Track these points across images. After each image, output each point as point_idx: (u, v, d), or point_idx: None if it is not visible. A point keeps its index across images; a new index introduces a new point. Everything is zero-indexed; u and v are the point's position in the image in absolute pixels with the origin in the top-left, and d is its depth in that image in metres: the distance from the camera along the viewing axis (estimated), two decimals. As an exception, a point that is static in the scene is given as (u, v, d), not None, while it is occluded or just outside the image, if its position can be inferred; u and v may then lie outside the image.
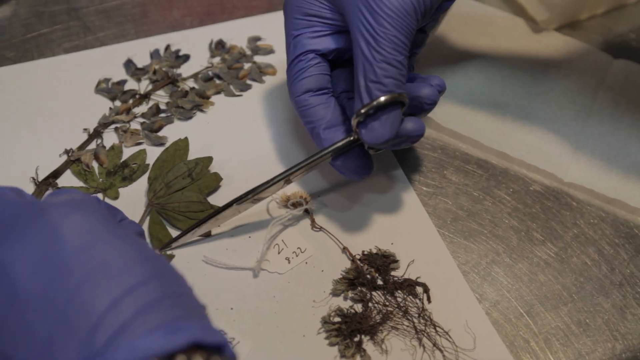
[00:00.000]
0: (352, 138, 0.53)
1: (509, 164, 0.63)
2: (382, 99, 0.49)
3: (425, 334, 0.53)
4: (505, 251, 0.58)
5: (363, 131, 0.51)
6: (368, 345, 0.52)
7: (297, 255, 0.57)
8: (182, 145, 0.62)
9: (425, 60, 0.70)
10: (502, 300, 0.55)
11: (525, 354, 0.53)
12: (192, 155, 0.62)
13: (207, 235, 0.57)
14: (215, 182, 0.60)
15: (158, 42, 0.71)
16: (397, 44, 0.49)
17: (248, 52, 0.71)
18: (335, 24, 0.55)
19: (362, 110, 0.50)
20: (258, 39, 0.72)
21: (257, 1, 0.75)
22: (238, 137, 0.64)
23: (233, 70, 0.69)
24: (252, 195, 0.54)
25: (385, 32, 0.49)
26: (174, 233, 0.57)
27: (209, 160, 0.61)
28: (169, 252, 0.56)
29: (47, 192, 0.59)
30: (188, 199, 0.59)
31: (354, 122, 0.51)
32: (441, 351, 0.53)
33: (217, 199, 0.59)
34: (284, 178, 0.54)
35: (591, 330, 0.54)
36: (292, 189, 0.60)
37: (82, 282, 0.37)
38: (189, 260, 0.56)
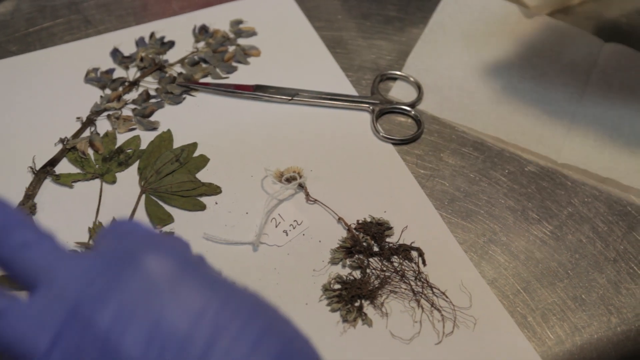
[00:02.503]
0: None
1: (504, 146, 0.65)
2: None
3: (423, 296, 0.55)
4: (502, 230, 0.60)
5: None
6: (368, 309, 0.54)
7: (294, 228, 0.59)
8: (166, 136, 0.64)
9: (425, 48, 0.73)
10: (500, 277, 0.57)
11: (523, 329, 0.55)
12: (182, 138, 0.64)
13: None
14: (203, 162, 0.62)
15: (142, 30, 0.72)
16: None
17: (231, 36, 0.72)
18: None
19: None
20: (240, 22, 0.73)
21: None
22: (227, 117, 0.66)
23: (218, 54, 0.70)
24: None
25: None
26: (171, 210, 0.59)
27: (194, 145, 0.63)
28: (168, 230, 0.58)
29: (46, 180, 0.60)
30: (179, 180, 0.60)
31: None
32: (439, 311, 0.55)
33: (207, 177, 0.61)
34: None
35: (587, 305, 0.57)
36: (285, 164, 0.62)
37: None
38: (190, 238, 0.58)
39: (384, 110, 0.67)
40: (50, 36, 0.71)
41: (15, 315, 0.37)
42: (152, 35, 0.71)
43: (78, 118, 0.65)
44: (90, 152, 0.62)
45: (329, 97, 0.67)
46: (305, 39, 0.72)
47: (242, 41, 0.72)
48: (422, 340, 0.53)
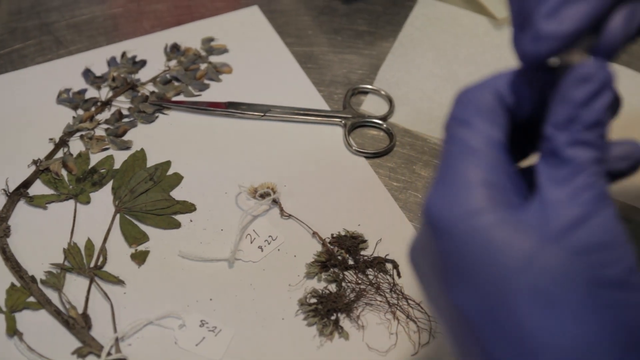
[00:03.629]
0: None
1: None
2: None
3: (399, 307, 0.56)
4: (476, 241, 0.61)
5: None
6: (345, 322, 0.55)
7: (269, 244, 0.59)
8: (140, 155, 0.64)
9: (395, 62, 0.73)
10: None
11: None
12: (155, 157, 0.64)
13: None
14: (176, 181, 0.62)
15: (113, 50, 0.72)
16: None
17: (203, 53, 0.72)
18: None
19: None
20: (211, 39, 0.74)
21: (225, 10, 0.77)
22: (200, 135, 0.66)
23: (190, 72, 0.71)
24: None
25: None
26: (146, 229, 0.59)
27: (167, 164, 0.63)
28: (143, 249, 0.58)
29: (20, 202, 0.60)
30: (153, 198, 0.61)
31: None
32: (414, 322, 0.55)
33: (181, 195, 0.62)
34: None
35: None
36: (259, 180, 0.62)
37: None
38: (165, 256, 0.58)
39: (356, 124, 0.67)
40: (21, 58, 0.71)
41: None
42: (123, 54, 0.72)
43: (51, 139, 0.65)
44: (64, 172, 0.62)
45: (301, 112, 0.67)
46: (277, 55, 0.73)
47: (213, 59, 0.72)
48: (398, 352, 0.53)
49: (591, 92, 0.34)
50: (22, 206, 0.60)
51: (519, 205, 0.35)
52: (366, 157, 0.65)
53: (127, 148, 0.64)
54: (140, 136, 0.65)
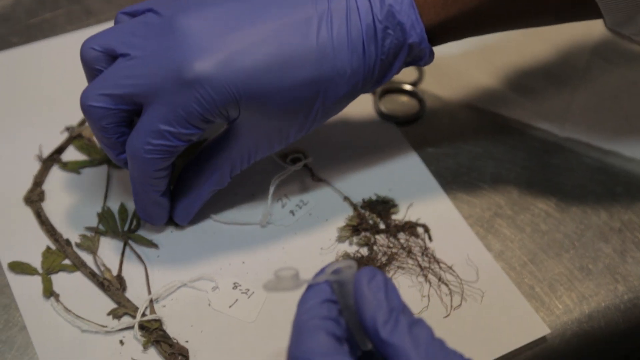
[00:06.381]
0: None
1: (507, 122, 0.66)
2: None
3: (430, 270, 0.56)
4: (507, 204, 0.61)
5: None
6: (377, 285, 0.55)
7: (300, 208, 0.59)
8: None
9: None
10: (506, 250, 0.58)
11: (531, 300, 0.55)
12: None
13: None
14: None
15: (143, 18, 0.72)
16: None
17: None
18: None
19: None
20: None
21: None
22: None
23: (220, 40, 0.71)
24: None
25: None
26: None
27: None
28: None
29: (53, 167, 0.61)
30: (185, 162, 0.61)
31: None
32: (446, 285, 0.55)
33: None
34: None
35: (593, 274, 0.57)
36: (291, 145, 0.62)
37: None
38: (198, 220, 0.58)
39: (386, 90, 0.67)
40: (51, 27, 0.72)
41: None
42: (153, 22, 0.72)
43: (83, 106, 0.65)
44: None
45: None
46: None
47: (242, 26, 0.72)
48: (430, 314, 0.54)
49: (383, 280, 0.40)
50: (55, 171, 0.61)
51: None
52: (396, 123, 0.65)
53: (158, 115, 0.65)
54: (171, 103, 0.66)
